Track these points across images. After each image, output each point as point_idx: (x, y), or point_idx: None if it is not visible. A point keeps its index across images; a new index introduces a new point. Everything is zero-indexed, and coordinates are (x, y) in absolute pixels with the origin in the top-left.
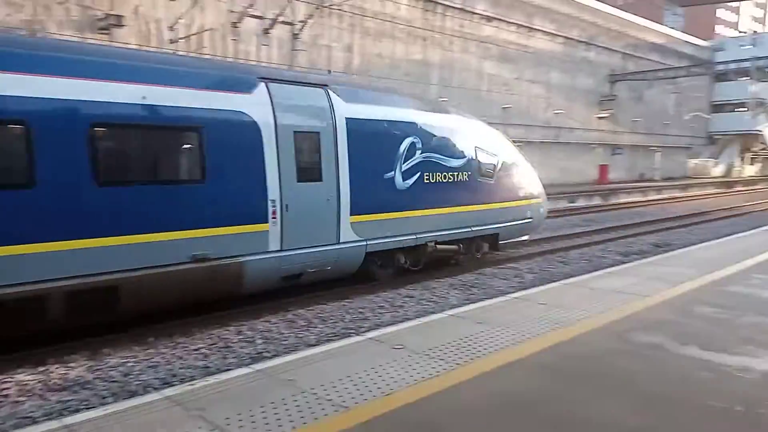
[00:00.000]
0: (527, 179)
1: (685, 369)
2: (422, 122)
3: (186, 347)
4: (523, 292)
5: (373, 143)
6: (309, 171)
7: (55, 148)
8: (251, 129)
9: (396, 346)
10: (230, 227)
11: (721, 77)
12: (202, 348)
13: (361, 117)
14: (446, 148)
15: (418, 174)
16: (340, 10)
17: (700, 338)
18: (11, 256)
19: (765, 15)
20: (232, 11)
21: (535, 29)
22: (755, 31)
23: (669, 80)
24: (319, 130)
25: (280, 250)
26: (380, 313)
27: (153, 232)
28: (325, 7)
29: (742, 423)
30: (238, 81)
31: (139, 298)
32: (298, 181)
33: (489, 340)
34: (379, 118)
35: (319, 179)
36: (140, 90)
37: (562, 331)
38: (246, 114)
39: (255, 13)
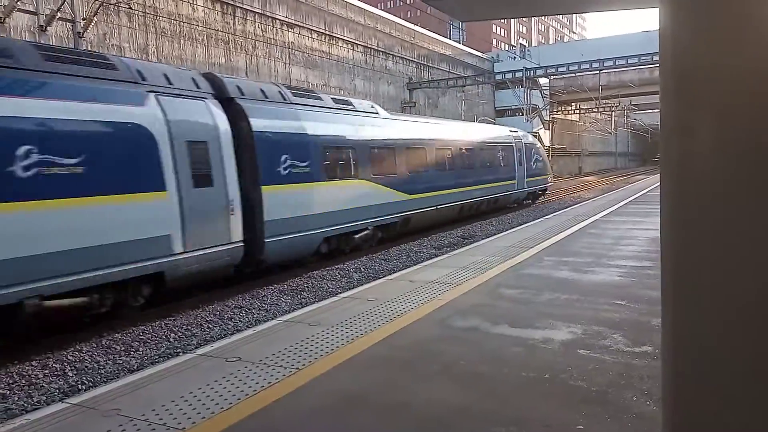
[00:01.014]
0: (548, 163)
1: (499, 346)
2: (533, 140)
3: None
4: (352, 291)
5: (528, 151)
6: (520, 160)
7: (485, 157)
8: (512, 148)
9: (231, 359)
10: (506, 182)
11: (501, 86)
12: (0, 389)
13: (523, 140)
14: (539, 150)
15: (534, 164)
16: (129, 8)
17: (509, 317)
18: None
19: (529, 32)
20: None
21: (336, 37)
22: (523, 45)
23: (458, 88)
24: (520, 147)
25: (515, 191)
26: (209, 328)
27: (499, 182)
28: (112, 4)
29: (549, 387)
30: (505, 131)
31: (499, 203)
32: (518, 165)
33: (324, 341)
34: (527, 140)
35: (521, 165)
36: (489, 134)
37: (391, 324)
38: (511, 144)
39: (26, 8)
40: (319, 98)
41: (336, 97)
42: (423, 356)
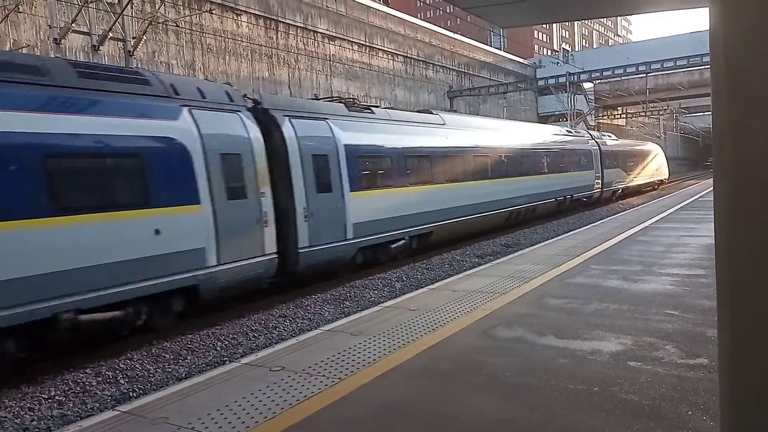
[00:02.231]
0: (665, 164)
1: (545, 358)
2: (660, 150)
3: (36, 397)
4: (394, 300)
5: (659, 156)
6: (655, 161)
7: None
8: (652, 154)
9: (274, 369)
10: (651, 174)
11: (544, 91)
12: (57, 396)
13: (658, 149)
14: (663, 156)
15: (661, 164)
16: (177, 26)
17: (555, 328)
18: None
19: (571, 36)
20: (53, 26)
21: (377, 48)
22: (566, 50)
23: (500, 95)
24: (655, 154)
25: (653, 180)
26: (254, 337)
27: (650, 174)
28: (160, 23)
29: (599, 401)
30: (648, 143)
31: (648, 185)
32: (655, 164)
33: (367, 351)
34: (659, 150)
35: (657, 164)
36: (647, 147)
37: (434, 334)
38: (652, 152)
39: (80, 29)
40: (597, 133)
41: (603, 133)
42: (466, 367)
